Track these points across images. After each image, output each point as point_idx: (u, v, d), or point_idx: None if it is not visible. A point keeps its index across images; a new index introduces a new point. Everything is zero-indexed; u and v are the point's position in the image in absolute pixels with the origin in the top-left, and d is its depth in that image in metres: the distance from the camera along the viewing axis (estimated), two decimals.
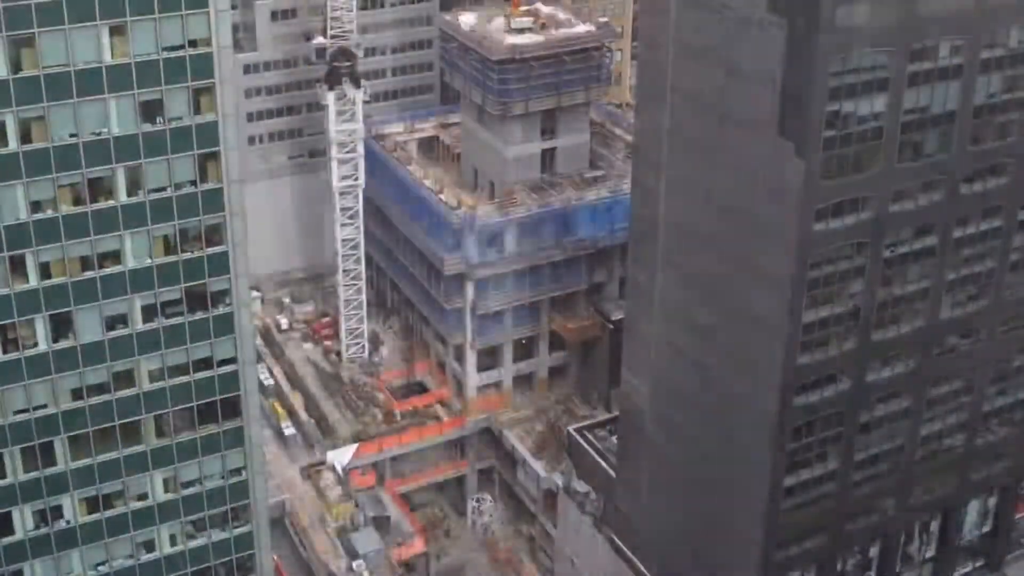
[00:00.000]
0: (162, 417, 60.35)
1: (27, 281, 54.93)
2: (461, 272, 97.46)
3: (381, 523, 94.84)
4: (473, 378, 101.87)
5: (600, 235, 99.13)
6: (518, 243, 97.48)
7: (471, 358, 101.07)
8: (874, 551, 76.25)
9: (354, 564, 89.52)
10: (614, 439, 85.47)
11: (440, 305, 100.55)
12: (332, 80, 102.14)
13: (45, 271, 55.12)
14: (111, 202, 55.20)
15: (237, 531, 64.90)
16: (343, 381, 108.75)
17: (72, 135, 53.33)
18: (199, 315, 59.15)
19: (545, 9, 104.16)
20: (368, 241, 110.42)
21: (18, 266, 54.53)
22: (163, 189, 56.12)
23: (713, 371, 69.79)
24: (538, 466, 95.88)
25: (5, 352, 55.83)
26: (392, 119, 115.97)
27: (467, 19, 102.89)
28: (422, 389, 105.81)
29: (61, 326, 56.46)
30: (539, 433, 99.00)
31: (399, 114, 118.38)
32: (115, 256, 56.25)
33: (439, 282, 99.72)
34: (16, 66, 51.33)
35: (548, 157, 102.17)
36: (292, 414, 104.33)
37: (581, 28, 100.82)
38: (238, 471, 63.49)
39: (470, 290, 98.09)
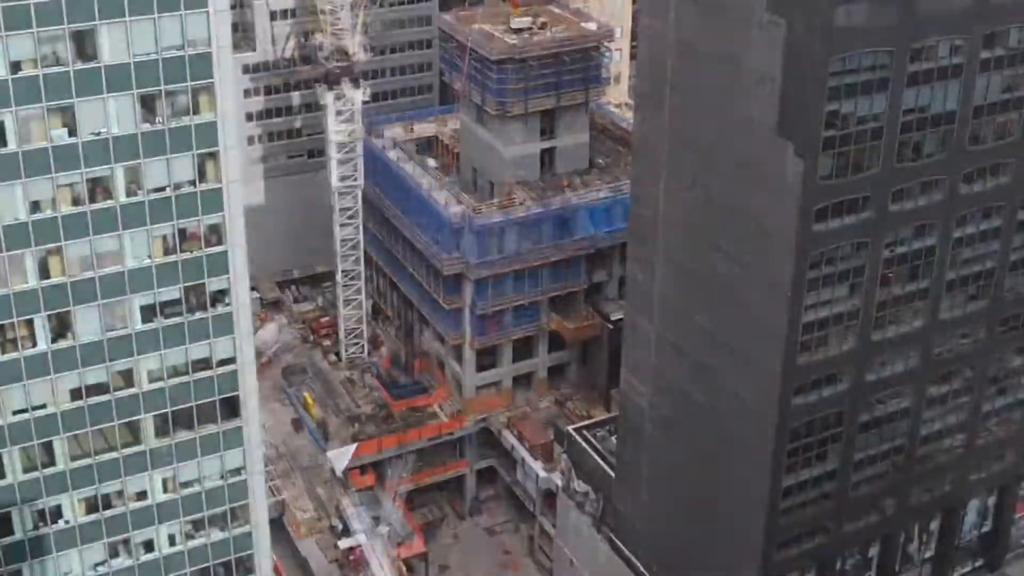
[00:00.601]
0: (161, 417, 60.36)
1: (26, 281, 54.90)
2: (460, 272, 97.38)
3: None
4: (472, 378, 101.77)
5: (600, 235, 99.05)
6: (517, 243, 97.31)
7: (470, 358, 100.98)
8: (874, 551, 76.21)
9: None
10: (614, 439, 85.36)
11: (439, 305, 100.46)
12: (331, 80, 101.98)
13: (44, 271, 55.10)
14: (110, 202, 55.18)
15: (236, 531, 64.85)
16: (342, 381, 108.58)
17: (71, 135, 53.28)
18: (198, 315, 59.12)
19: (544, 9, 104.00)
20: (368, 241, 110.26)
21: (17, 266, 54.49)
22: (162, 189, 56.09)
23: (713, 371, 69.74)
24: (537, 466, 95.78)
25: (4, 352, 55.79)
26: (392, 119, 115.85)
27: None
28: (421, 389, 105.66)
29: (60, 326, 56.43)
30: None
31: (399, 114, 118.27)
32: (114, 256, 56.21)
33: (438, 282, 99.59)
34: (15, 66, 51.27)
35: (547, 157, 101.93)
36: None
37: (580, 28, 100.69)
38: (237, 471, 63.45)
39: (469, 290, 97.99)
